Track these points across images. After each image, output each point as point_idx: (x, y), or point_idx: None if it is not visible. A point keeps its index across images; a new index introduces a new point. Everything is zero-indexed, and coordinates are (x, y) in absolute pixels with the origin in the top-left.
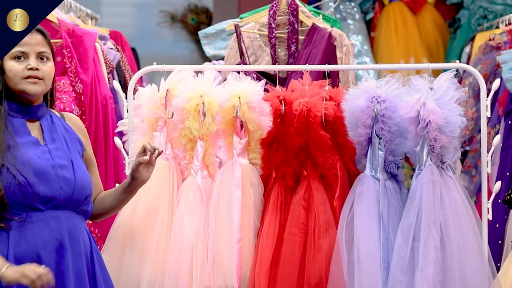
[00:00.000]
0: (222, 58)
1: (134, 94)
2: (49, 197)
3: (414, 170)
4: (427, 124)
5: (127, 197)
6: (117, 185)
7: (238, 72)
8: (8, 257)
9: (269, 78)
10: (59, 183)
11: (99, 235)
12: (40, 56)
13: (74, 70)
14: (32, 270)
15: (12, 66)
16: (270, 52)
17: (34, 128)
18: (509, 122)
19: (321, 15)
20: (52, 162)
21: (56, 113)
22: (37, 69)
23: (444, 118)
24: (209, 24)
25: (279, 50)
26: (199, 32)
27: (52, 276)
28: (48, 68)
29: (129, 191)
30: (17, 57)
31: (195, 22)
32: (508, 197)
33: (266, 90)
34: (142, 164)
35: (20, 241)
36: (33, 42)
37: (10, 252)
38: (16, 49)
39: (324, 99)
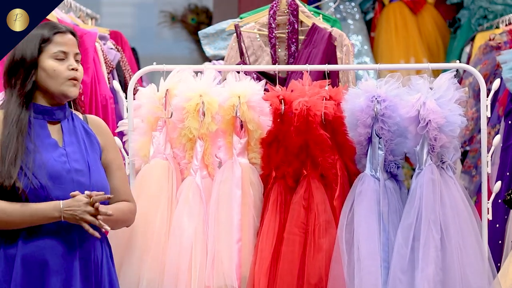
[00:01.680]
0: (222, 58)
1: (134, 94)
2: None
3: (414, 170)
4: (427, 123)
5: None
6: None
7: (238, 72)
8: (15, 258)
9: (269, 78)
10: (73, 188)
11: None
12: (75, 58)
13: None
14: (87, 209)
15: (56, 66)
16: (270, 52)
17: (54, 129)
18: (509, 122)
19: (321, 15)
20: (67, 166)
21: (80, 115)
22: (77, 69)
23: (444, 117)
24: (209, 24)
25: (279, 50)
26: (199, 32)
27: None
28: (81, 70)
29: None
30: (59, 58)
31: (195, 22)
32: (508, 197)
33: (266, 90)
34: None
35: (29, 244)
36: (71, 43)
37: (18, 253)
38: (58, 49)
39: (324, 98)
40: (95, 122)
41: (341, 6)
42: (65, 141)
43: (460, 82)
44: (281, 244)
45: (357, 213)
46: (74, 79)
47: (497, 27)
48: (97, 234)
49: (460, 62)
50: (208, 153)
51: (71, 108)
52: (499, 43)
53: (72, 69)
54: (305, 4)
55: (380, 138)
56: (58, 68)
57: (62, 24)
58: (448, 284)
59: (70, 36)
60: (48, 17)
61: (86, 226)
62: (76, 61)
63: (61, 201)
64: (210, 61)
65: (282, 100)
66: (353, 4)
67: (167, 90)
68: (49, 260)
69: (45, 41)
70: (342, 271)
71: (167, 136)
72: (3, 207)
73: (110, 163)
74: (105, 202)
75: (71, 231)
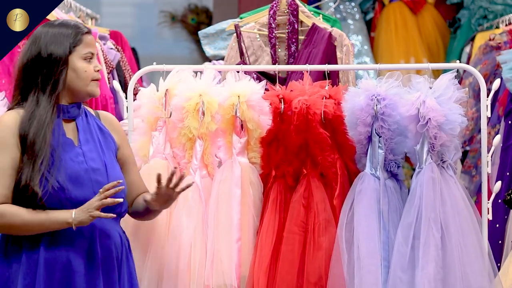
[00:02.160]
0: (222, 58)
1: (134, 94)
2: (82, 201)
3: (414, 170)
4: (427, 121)
5: (152, 213)
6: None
7: (238, 72)
8: (38, 260)
9: (269, 78)
10: (92, 187)
11: None
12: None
13: None
14: (96, 203)
15: (86, 67)
16: (270, 52)
17: (69, 128)
18: (509, 122)
19: (321, 15)
20: (85, 166)
21: (91, 111)
22: (99, 70)
23: (444, 115)
24: (209, 24)
25: (279, 50)
26: (199, 32)
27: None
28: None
29: (153, 212)
30: (88, 58)
31: (195, 22)
32: (508, 197)
33: (266, 90)
34: (160, 193)
35: (51, 245)
36: (93, 43)
37: (40, 255)
38: (88, 50)
39: (324, 97)
40: (108, 118)
41: (341, 6)
42: (81, 140)
43: (460, 82)
44: (280, 243)
45: (357, 212)
46: (98, 79)
47: (497, 27)
48: (111, 214)
49: (460, 62)
50: (207, 152)
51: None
52: (499, 43)
53: (97, 70)
54: (305, 4)
55: (380, 137)
56: (89, 69)
57: (79, 23)
58: (449, 282)
59: (91, 36)
60: (48, 17)
61: (102, 215)
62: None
63: (73, 210)
64: (210, 61)
65: (282, 99)
66: (353, 4)
67: (167, 90)
68: (72, 261)
69: (76, 41)
70: (342, 270)
71: (166, 136)
72: (21, 215)
73: (126, 159)
74: (120, 195)
75: (92, 230)
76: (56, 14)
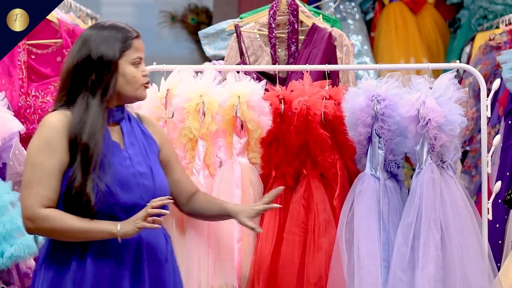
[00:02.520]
0: (222, 58)
1: None
2: (130, 206)
3: (414, 170)
4: (427, 122)
5: (216, 219)
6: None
7: (238, 72)
8: (86, 264)
9: (269, 78)
10: (139, 192)
11: None
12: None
13: None
14: (141, 214)
15: (135, 72)
16: (270, 52)
17: (115, 131)
18: (509, 122)
19: (321, 15)
20: (133, 170)
21: (133, 114)
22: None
23: (444, 116)
24: (209, 24)
25: (279, 50)
26: (199, 32)
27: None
28: None
29: (222, 218)
30: (136, 63)
31: (195, 22)
32: (508, 197)
33: (266, 90)
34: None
35: (99, 250)
36: (142, 48)
37: (88, 260)
38: (137, 55)
39: (324, 98)
40: (150, 121)
41: (341, 6)
42: (126, 144)
43: (460, 82)
44: (281, 243)
45: (357, 212)
46: (148, 83)
47: (497, 27)
48: (156, 225)
49: (460, 62)
50: (209, 153)
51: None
52: (499, 43)
53: (145, 75)
54: (305, 4)
55: (380, 137)
56: (138, 74)
57: (129, 26)
58: (449, 283)
59: (140, 41)
60: (48, 17)
61: (147, 225)
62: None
63: (119, 223)
64: (210, 61)
65: (282, 100)
66: (353, 4)
67: (167, 90)
68: (119, 265)
69: (125, 46)
70: (342, 271)
71: (168, 136)
72: (66, 221)
73: (170, 159)
74: (165, 207)
75: (139, 234)
76: (56, 14)
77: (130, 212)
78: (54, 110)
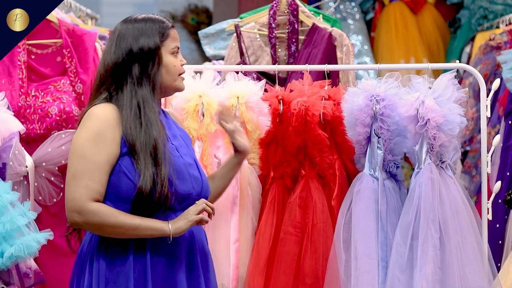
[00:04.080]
0: (222, 58)
1: None
2: (185, 196)
3: (413, 170)
4: (426, 122)
5: (235, 172)
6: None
7: (237, 72)
8: (146, 258)
9: (269, 78)
10: (191, 182)
11: None
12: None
13: (74, 70)
14: (193, 208)
15: (175, 61)
16: (270, 52)
17: None
18: (509, 122)
19: (321, 15)
20: (183, 160)
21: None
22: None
23: (443, 116)
24: (209, 24)
25: (279, 50)
26: (199, 32)
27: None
28: None
29: (232, 171)
30: (175, 53)
31: (195, 22)
32: (508, 197)
33: (265, 91)
34: (233, 131)
35: (157, 244)
36: (178, 37)
37: (147, 254)
38: (175, 44)
39: (323, 98)
40: (175, 116)
41: (341, 6)
42: (169, 136)
43: (460, 82)
44: (277, 244)
45: (355, 212)
46: (182, 73)
47: (497, 27)
48: (206, 218)
49: (460, 62)
50: (207, 153)
51: None
52: (499, 43)
53: (182, 64)
54: (305, 4)
55: (379, 137)
56: (177, 64)
57: (163, 17)
58: (447, 283)
59: (176, 30)
60: (48, 17)
61: (197, 218)
62: None
63: (169, 222)
64: (210, 61)
65: (281, 100)
66: (353, 4)
67: None
68: (176, 259)
69: (164, 35)
70: (339, 271)
71: None
72: (116, 216)
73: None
74: (209, 194)
75: (191, 229)
76: (56, 14)
77: (184, 202)
78: (97, 103)
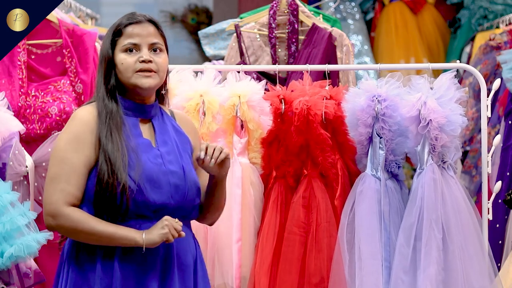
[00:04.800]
0: (222, 58)
1: None
2: (160, 205)
3: (414, 170)
4: (428, 123)
5: (215, 197)
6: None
7: (238, 72)
8: (113, 268)
9: (269, 78)
10: (170, 191)
11: None
12: (153, 48)
13: (74, 70)
14: (165, 220)
15: (123, 59)
16: (270, 52)
17: (146, 128)
18: (510, 122)
19: (321, 15)
20: (164, 168)
21: (167, 111)
22: (150, 61)
23: (445, 117)
24: (209, 24)
25: (279, 50)
26: (199, 32)
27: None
28: (161, 60)
29: (213, 191)
30: (129, 50)
31: (195, 22)
32: (509, 197)
33: (266, 90)
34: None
35: (127, 253)
36: (145, 33)
37: (115, 263)
38: (127, 41)
39: (324, 98)
40: (183, 118)
41: (341, 6)
42: (158, 141)
43: (460, 82)
44: (281, 243)
45: (358, 213)
46: (146, 70)
47: (497, 27)
48: (183, 233)
49: (460, 62)
50: None
51: (160, 103)
52: (499, 43)
53: (143, 61)
54: (305, 4)
55: (380, 137)
56: (126, 61)
57: (139, 13)
58: (450, 284)
59: (147, 26)
60: (48, 17)
61: (170, 237)
62: (155, 50)
63: (144, 231)
64: (210, 61)
65: (283, 100)
66: (353, 4)
67: (167, 90)
68: (148, 269)
69: (117, 34)
70: (343, 271)
71: None
72: (90, 223)
73: None
74: (196, 205)
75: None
76: (56, 14)
77: (160, 212)
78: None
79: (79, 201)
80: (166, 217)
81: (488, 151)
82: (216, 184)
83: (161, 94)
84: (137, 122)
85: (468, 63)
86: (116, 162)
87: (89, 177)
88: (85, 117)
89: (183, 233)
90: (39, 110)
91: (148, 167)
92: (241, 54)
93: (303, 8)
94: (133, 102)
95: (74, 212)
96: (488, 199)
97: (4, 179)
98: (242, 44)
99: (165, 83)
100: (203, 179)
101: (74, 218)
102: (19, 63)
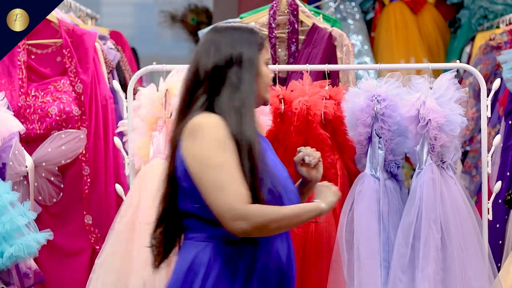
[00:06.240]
0: None
1: (134, 94)
2: None
3: (414, 170)
4: (427, 122)
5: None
6: None
7: None
8: (255, 271)
9: None
10: (293, 196)
11: (99, 235)
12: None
13: (74, 70)
14: (333, 187)
15: (269, 73)
16: (270, 52)
17: None
18: (510, 122)
19: (321, 15)
20: (285, 173)
21: None
22: None
23: (444, 116)
24: (209, 24)
25: (279, 50)
26: (199, 32)
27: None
28: None
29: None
30: (267, 64)
31: (195, 22)
32: (509, 197)
33: None
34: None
35: (267, 256)
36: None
37: (257, 267)
38: (268, 56)
39: (324, 98)
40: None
41: (341, 6)
42: (263, 146)
43: (460, 82)
44: None
45: (357, 213)
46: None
47: (497, 27)
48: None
49: (460, 62)
50: None
51: None
52: (499, 43)
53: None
54: (305, 4)
55: (380, 137)
56: (270, 75)
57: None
58: (449, 283)
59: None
60: (48, 17)
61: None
62: None
63: (319, 201)
64: None
65: (282, 100)
66: (353, 4)
67: (166, 90)
68: (283, 268)
69: (261, 45)
70: (342, 271)
71: (167, 136)
72: (280, 209)
73: None
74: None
75: (287, 234)
76: (56, 14)
77: None
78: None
79: (251, 199)
80: (327, 183)
81: (488, 151)
82: (309, 189)
83: None
84: None
85: (468, 63)
86: (257, 170)
87: None
88: (217, 122)
89: None
90: (39, 110)
91: (278, 172)
92: None
93: (303, 8)
94: None
95: (260, 207)
96: (488, 199)
97: (4, 179)
98: None
99: None
100: None
101: (264, 212)
102: (19, 63)
